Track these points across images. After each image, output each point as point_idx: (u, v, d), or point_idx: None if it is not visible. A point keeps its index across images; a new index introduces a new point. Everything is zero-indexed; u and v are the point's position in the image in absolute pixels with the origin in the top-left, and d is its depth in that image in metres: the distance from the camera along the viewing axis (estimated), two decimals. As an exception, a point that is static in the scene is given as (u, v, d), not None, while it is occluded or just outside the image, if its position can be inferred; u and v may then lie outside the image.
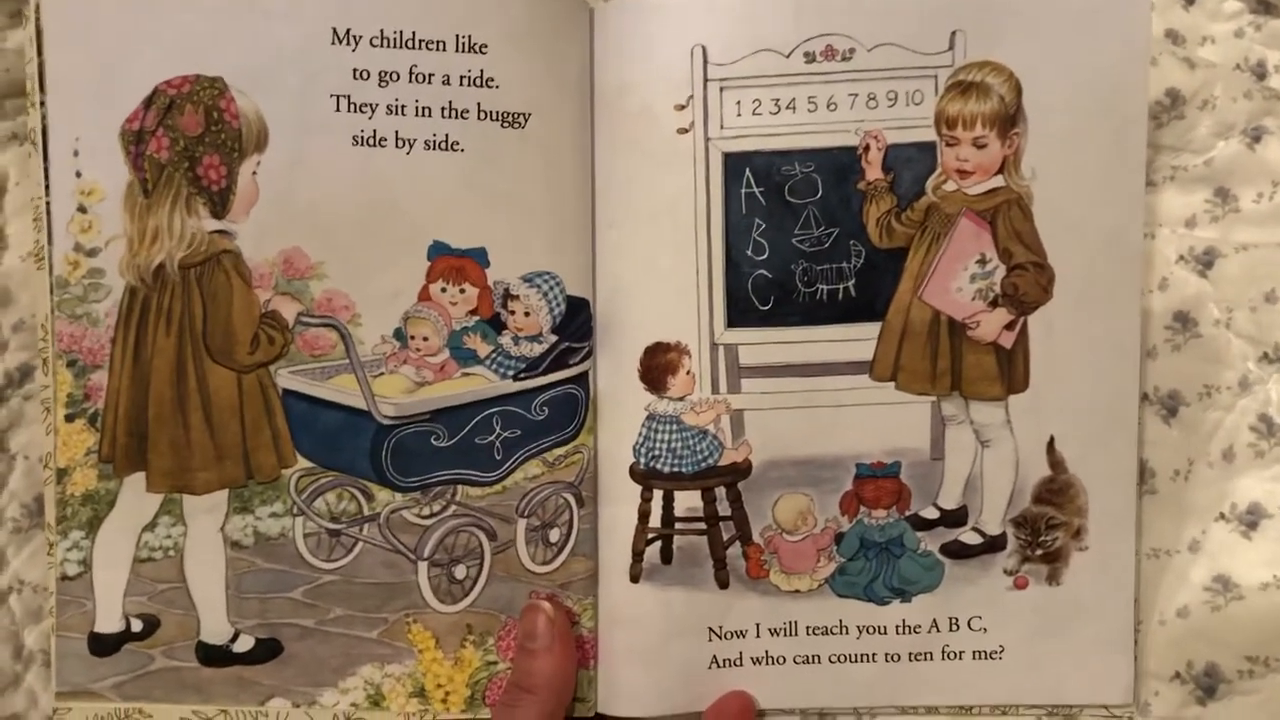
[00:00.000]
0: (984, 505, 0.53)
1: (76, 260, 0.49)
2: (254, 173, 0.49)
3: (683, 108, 0.51)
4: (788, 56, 0.50)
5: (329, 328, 0.50)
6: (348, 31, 0.48)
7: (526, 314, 0.52)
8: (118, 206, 0.49)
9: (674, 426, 0.52)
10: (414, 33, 0.49)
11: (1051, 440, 0.52)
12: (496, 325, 0.52)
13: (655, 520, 0.53)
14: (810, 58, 0.51)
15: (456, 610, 0.52)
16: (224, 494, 0.51)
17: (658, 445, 0.53)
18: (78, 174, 0.49)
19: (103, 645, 0.51)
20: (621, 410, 0.53)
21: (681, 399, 0.52)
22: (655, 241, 0.52)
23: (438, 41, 0.49)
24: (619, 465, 0.53)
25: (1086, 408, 0.52)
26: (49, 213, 0.49)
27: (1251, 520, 0.53)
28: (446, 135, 0.50)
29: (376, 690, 0.52)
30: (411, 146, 0.49)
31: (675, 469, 0.53)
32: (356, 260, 0.50)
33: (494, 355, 0.52)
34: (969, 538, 0.53)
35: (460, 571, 0.52)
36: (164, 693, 0.51)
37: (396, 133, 0.49)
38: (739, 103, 0.51)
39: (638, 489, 0.53)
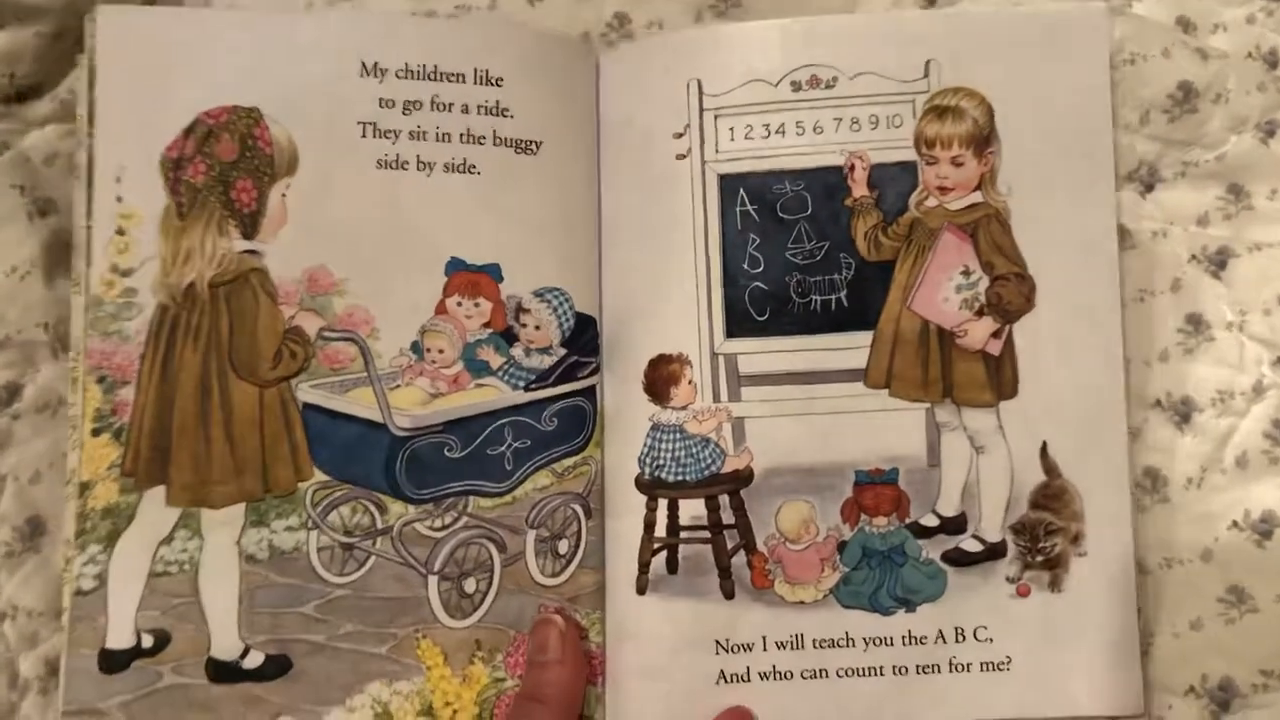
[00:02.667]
0: (982, 512, 0.54)
1: (112, 280, 0.52)
2: (283, 195, 0.52)
3: (680, 135, 0.55)
4: (776, 85, 0.55)
5: (349, 342, 0.52)
6: (375, 64, 0.53)
7: (537, 327, 0.54)
8: (154, 229, 0.52)
9: (677, 435, 0.54)
10: (436, 66, 0.53)
11: (1044, 446, 0.53)
12: (509, 338, 0.55)
13: (661, 530, 0.54)
14: (797, 86, 0.55)
15: (466, 625, 0.53)
16: (241, 508, 0.52)
17: (662, 454, 0.54)
18: (118, 199, 0.52)
19: (113, 662, 0.51)
20: (627, 423, 0.55)
21: (684, 408, 0.54)
22: (657, 259, 0.55)
23: (458, 74, 0.54)
24: (625, 477, 0.54)
25: (1076, 413, 0.53)
26: (89, 238, 0.52)
27: (1265, 529, 0.53)
28: (465, 159, 0.54)
29: (384, 709, 0.51)
30: (432, 169, 0.53)
31: (679, 477, 0.54)
32: (377, 276, 0.53)
33: (506, 366, 0.55)
34: (969, 545, 0.54)
35: (470, 585, 0.53)
36: (171, 711, 0.51)
37: (418, 156, 0.53)
38: (732, 129, 0.55)
39: (643, 499, 0.54)
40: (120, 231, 0.52)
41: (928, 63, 0.55)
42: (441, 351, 0.53)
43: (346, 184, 0.53)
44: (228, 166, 0.52)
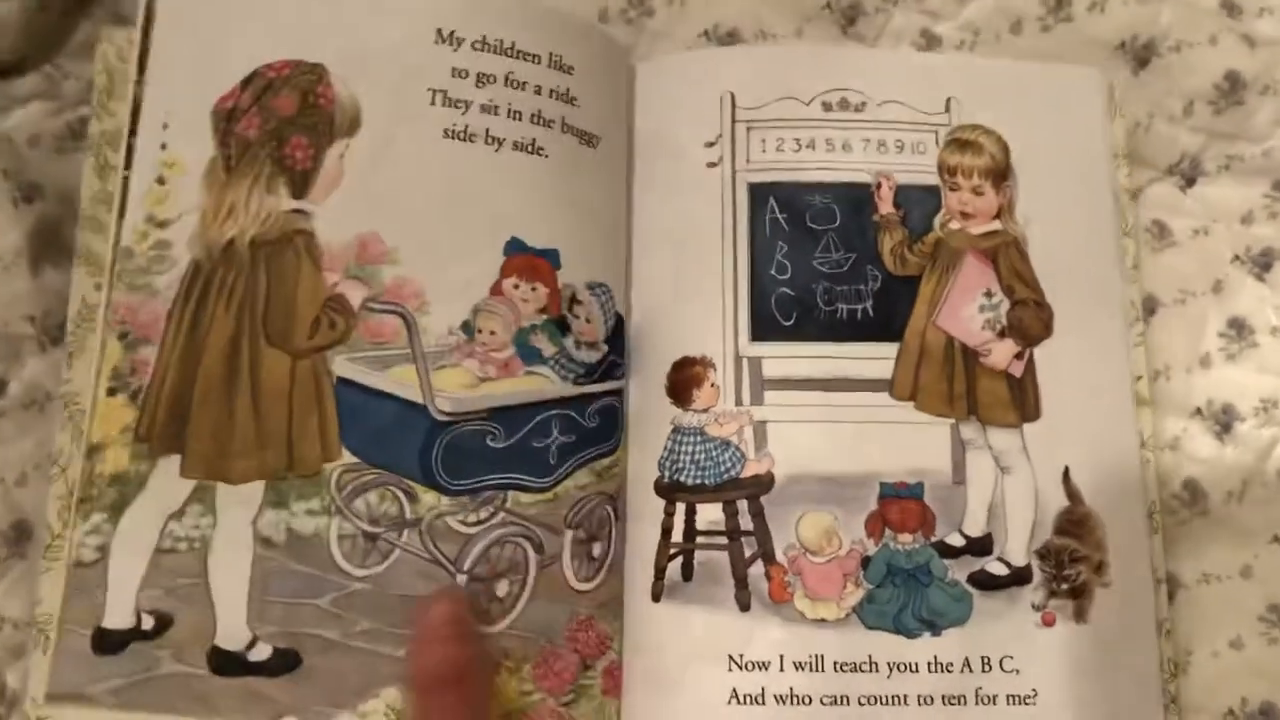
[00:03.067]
0: (1008, 534, 0.53)
1: (146, 231, 0.49)
2: (341, 156, 0.50)
3: (712, 144, 0.57)
4: (807, 104, 0.57)
5: (395, 315, 0.50)
6: (451, 33, 0.52)
7: (588, 320, 0.53)
8: (197, 181, 0.49)
9: (698, 438, 0.54)
10: (514, 43, 0.53)
11: (1066, 470, 0.54)
12: (562, 327, 0.53)
13: (678, 536, 0.53)
14: (828, 107, 0.57)
15: (494, 632, 0.50)
16: (259, 485, 0.48)
17: (681, 457, 0.53)
18: (163, 146, 0.49)
19: (109, 642, 0.46)
20: (649, 427, 0.54)
21: (705, 411, 0.54)
22: (685, 263, 0.55)
23: (533, 55, 0.53)
24: (645, 480, 0.53)
25: (1094, 441, 0.54)
26: (125, 187, 0.49)
27: None
28: (534, 140, 0.53)
29: (397, 717, 0.48)
30: (501, 145, 0.52)
31: (698, 481, 0.53)
32: (432, 248, 0.51)
33: (558, 357, 0.53)
34: (995, 568, 0.53)
35: (502, 588, 0.50)
36: (165, 701, 0.46)
37: (488, 130, 0.52)
38: (764, 140, 0.57)
39: (661, 503, 0.53)
40: (161, 180, 0.49)
41: (948, 100, 0.58)
42: (494, 334, 0.52)
43: (410, 150, 0.51)
44: (284, 122, 0.50)
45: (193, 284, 0.49)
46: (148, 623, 0.47)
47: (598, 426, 0.53)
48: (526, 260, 0.52)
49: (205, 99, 0.50)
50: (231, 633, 0.47)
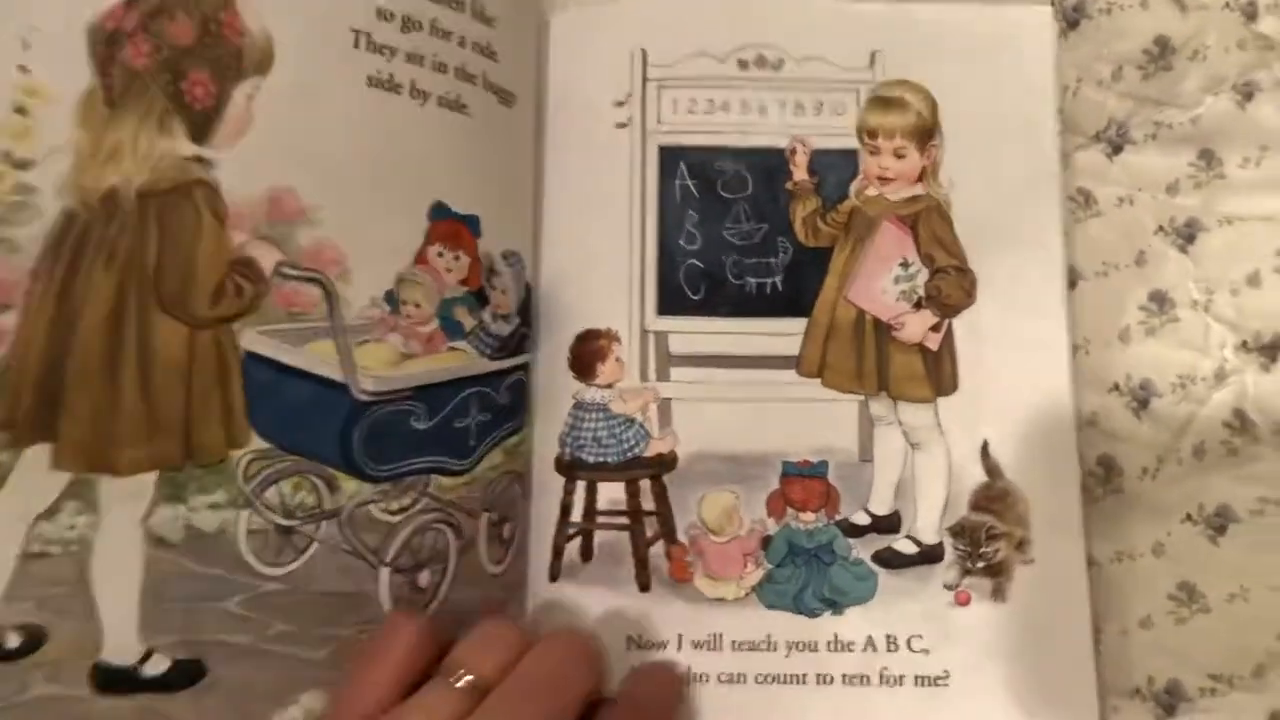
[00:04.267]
0: (918, 512, 0.52)
1: (2, 172, 0.40)
2: (250, 96, 0.43)
3: (622, 104, 0.54)
4: (722, 62, 0.56)
5: (313, 283, 0.44)
6: (376, -33, 0.46)
7: (504, 291, 0.51)
8: (69, 114, 0.41)
9: (600, 414, 0.52)
10: (440, -15, 0.48)
11: (985, 445, 0.52)
12: (480, 299, 0.50)
13: (577, 515, 0.52)
14: (743, 64, 0.56)
15: None
16: (151, 478, 0.42)
17: (583, 434, 0.52)
18: (21, 69, 0.40)
19: (-36, 668, 0.38)
20: (553, 401, 0.52)
21: (609, 386, 0.52)
22: (593, 231, 0.54)
23: (457, 0, 0.49)
24: (547, 456, 0.52)
25: (1020, 412, 0.52)
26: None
27: (1220, 524, 0.51)
28: (459, 96, 0.48)
29: None
30: (426, 99, 0.47)
31: (600, 458, 0.52)
32: (355, 209, 0.45)
33: (477, 330, 0.50)
34: (903, 546, 0.52)
35: (424, 578, 0.47)
36: (38, 731, 0.39)
37: (413, 82, 0.47)
38: (675, 100, 0.55)
39: (561, 481, 0.52)
40: (21, 110, 0.40)
41: (873, 53, 0.56)
42: (418, 306, 0.47)
43: (330, 97, 0.45)
44: (181, 52, 0.42)
45: (64, 239, 0.41)
46: (13, 640, 0.40)
47: (509, 403, 0.51)
48: (451, 226, 0.48)
49: (78, 15, 0.41)
50: (120, 646, 0.41)
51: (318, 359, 0.45)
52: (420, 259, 0.47)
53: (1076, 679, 0.50)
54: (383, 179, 0.46)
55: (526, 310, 0.52)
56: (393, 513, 0.46)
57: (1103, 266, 0.53)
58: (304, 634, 0.44)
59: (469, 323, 0.49)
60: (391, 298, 0.47)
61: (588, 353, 0.52)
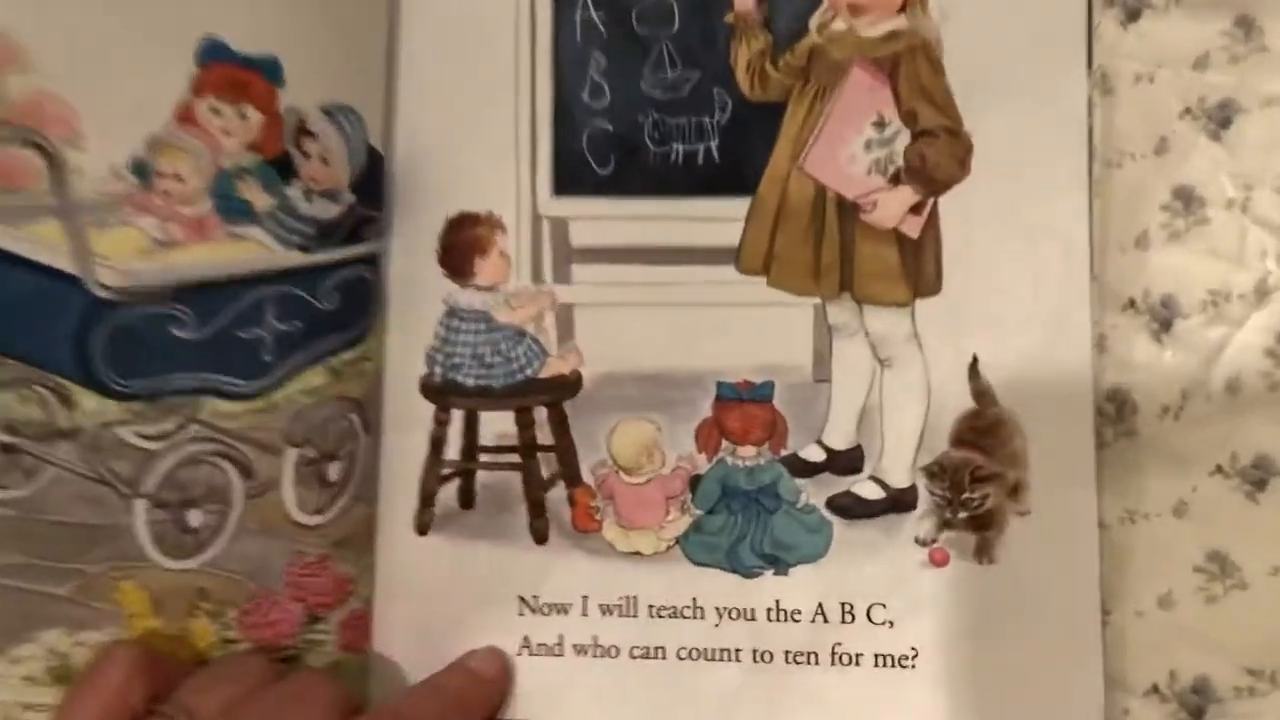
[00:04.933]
0: (885, 446, 0.46)
1: None
2: None
3: None
4: None
5: (32, 147, 0.40)
6: None
7: (324, 160, 0.44)
8: None
9: (481, 326, 0.48)
10: None
11: (974, 361, 0.46)
12: (284, 171, 0.44)
13: (454, 452, 0.47)
14: None
15: (186, 568, 0.43)
16: None
17: (459, 350, 0.47)
18: None
19: None
20: (416, 304, 0.47)
21: (492, 289, 0.48)
22: (466, 84, 0.48)
23: None
24: (409, 378, 0.47)
25: (1022, 321, 0.46)
26: None
27: (1259, 478, 0.45)
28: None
29: (63, 662, 0.41)
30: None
31: (482, 381, 0.47)
32: (88, 53, 0.40)
33: (276, 213, 0.44)
34: (865, 489, 0.46)
35: (195, 518, 0.43)
36: None
37: None
38: None
39: (431, 409, 0.47)
40: None
41: None
42: (180, 179, 0.42)
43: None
44: None
45: None
46: None
47: (337, 309, 0.45)
48: (231, 73, 0.42)
49: None
50: None
51: (41, 244, 0.40)
52: (184, 116, 0.41)
53: (1078, 669, 0.44)
54: (128, 10, 0.41)
55: (371, 186, 0.45)
56: (150, 438, 0.42)
57: (1116, 156, 0.48)
58: (41, 567, 0.41)
59: (262, 202, 0.43)
60: (141, 168, 0.41)
61: (462, 244, 0.47)
